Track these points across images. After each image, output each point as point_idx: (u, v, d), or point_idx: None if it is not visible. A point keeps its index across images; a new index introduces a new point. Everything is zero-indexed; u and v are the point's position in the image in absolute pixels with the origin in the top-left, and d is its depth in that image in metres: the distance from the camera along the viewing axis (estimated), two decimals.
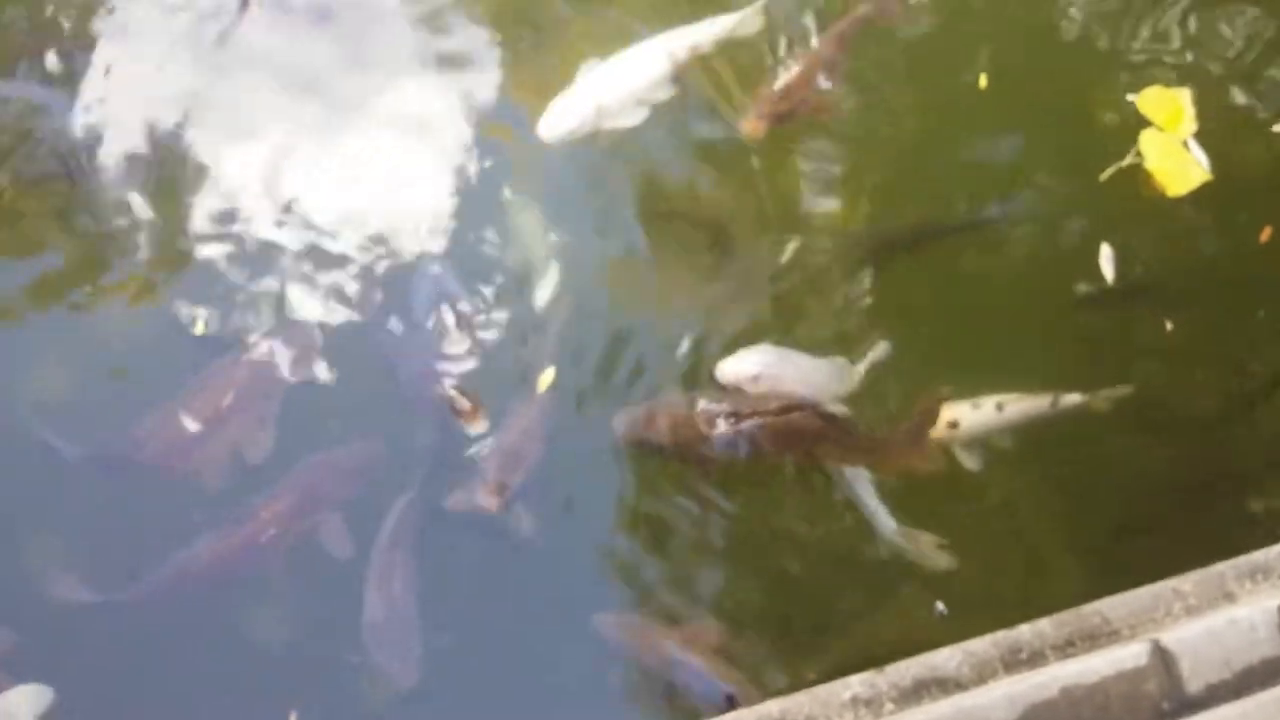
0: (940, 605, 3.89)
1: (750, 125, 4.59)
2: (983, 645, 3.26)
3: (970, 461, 4.20)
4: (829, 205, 4.71)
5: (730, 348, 4.35)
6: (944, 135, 4.89)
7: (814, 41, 4.82)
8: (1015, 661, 3.21)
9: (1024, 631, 3.26)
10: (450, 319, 4.24)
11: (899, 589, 4.06)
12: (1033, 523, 4.20)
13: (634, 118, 4.57)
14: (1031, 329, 4.49)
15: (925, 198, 4.75)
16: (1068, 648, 3.22)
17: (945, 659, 3.24)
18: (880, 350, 4.35)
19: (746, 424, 4.12)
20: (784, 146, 4.74)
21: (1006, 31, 5.07)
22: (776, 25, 4.87)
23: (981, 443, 4.22)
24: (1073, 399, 4.24)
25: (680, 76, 4.68)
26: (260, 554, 3.93)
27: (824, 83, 4.65)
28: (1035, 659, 3.22)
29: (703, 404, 4.17)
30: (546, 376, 4.21)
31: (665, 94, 4.63)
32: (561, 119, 4.51)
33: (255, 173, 4.59)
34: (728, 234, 4.62)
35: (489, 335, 4.30)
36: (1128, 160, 4.62)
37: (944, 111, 4.94)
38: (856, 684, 3.23)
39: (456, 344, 4.22)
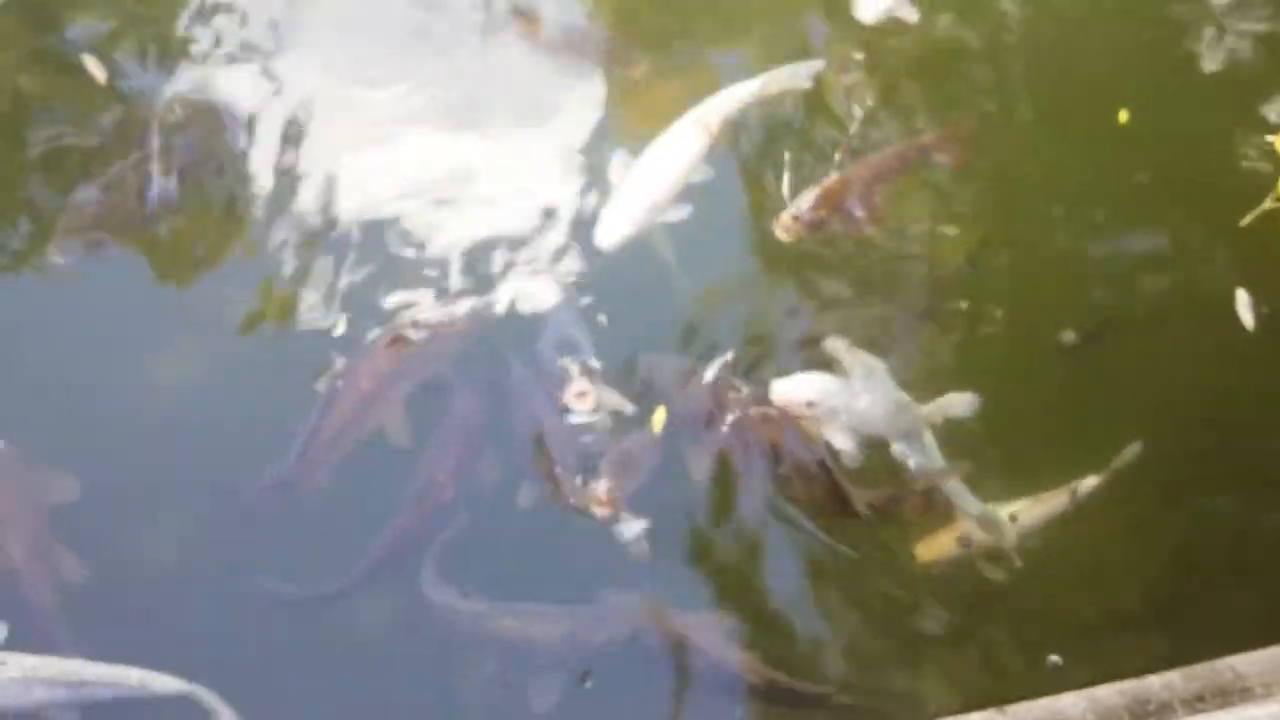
0: (1054, 658, 3.79)
1: (785, 227, 4.43)
2: (1109, 694, 3.21)
3: (993, 573, 4.02)
4: (955, 237, 4.65)
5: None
6: (1080, 170, 4.81)
7: (859, 161, 4.65)
8: (1143, 713, 3.17)
9: (1153, 683, 3.21)
10: (575, 370, 4.20)
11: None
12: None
13: (681, 212, 4.50)
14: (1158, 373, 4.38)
15: (1057, 232, 4.69)
16: (1197, 702, 3.16)
17: (1069, 704, 3.20)
18: (960, 404, 4.19)
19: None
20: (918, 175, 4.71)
21: (1147, 66, 5.00)
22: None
23: (1004, 554, 4.05)
24: (1090, 483, 4.09)
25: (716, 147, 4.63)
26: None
27: (856, 207, 4.51)
28: (1163, 711, 3.17)
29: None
30: (659, 416, 4.16)
31: (703, 174, 4.57)
32: (616, 227, 4.42)
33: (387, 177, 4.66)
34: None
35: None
36: (1268, 204, 4.52)
37: (1081, 146, 4.85)
38: None
39: (578, 398, 4.15)
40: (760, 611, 4.00)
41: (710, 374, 4.23)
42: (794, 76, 4.81)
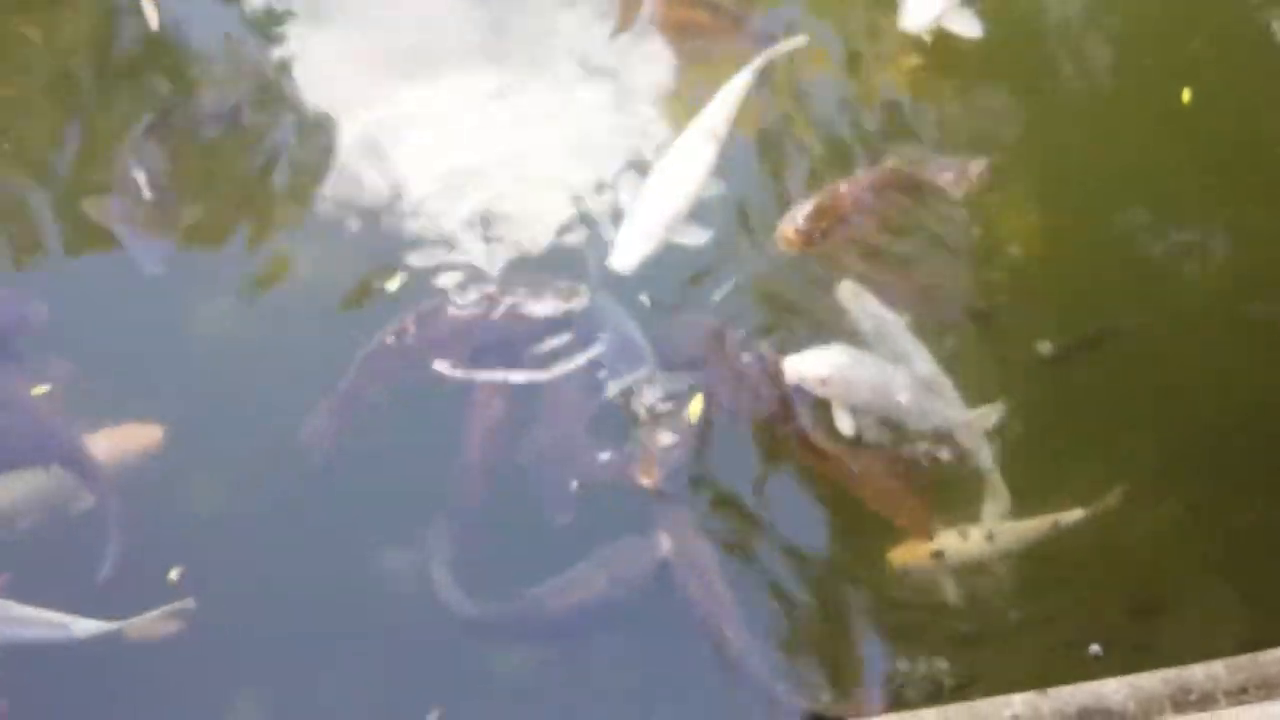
0: (1095, 647, 3.80)
1: (788, 238, 4.33)
2: (1152, 681, 3.22)
3: (951, 592, 3.97)
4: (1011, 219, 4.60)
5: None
6: (1140, 149, 4.75)
7: (861, 175, 4.57)
8: (1185, 702, 3.18)
9: (1196, 672, 3.22)
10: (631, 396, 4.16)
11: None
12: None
13: (698, 236, 4.41)
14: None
15: (1113, 215, 4.63)
16: (1241, 694, 3.16)
17: (1112, 691, 3.21)
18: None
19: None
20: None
21: (1216, 45, 4.92)
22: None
23: (971, 571, 4.00)
24: (1074, 516, 4.01)
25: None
26: None
27: (857, 218, 4.41)
28: (1205, 701, 3.18)
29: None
30: (696, 405, 4.13)
31: (715, 188, 4.50)
32: (633, 249, 4.32)
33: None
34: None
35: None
36: None
37: (1142, 124, 4.79)
38: (1019, 703, 3.22)
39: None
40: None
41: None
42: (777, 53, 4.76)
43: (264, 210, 4.59)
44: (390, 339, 4.19)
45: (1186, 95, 4.73)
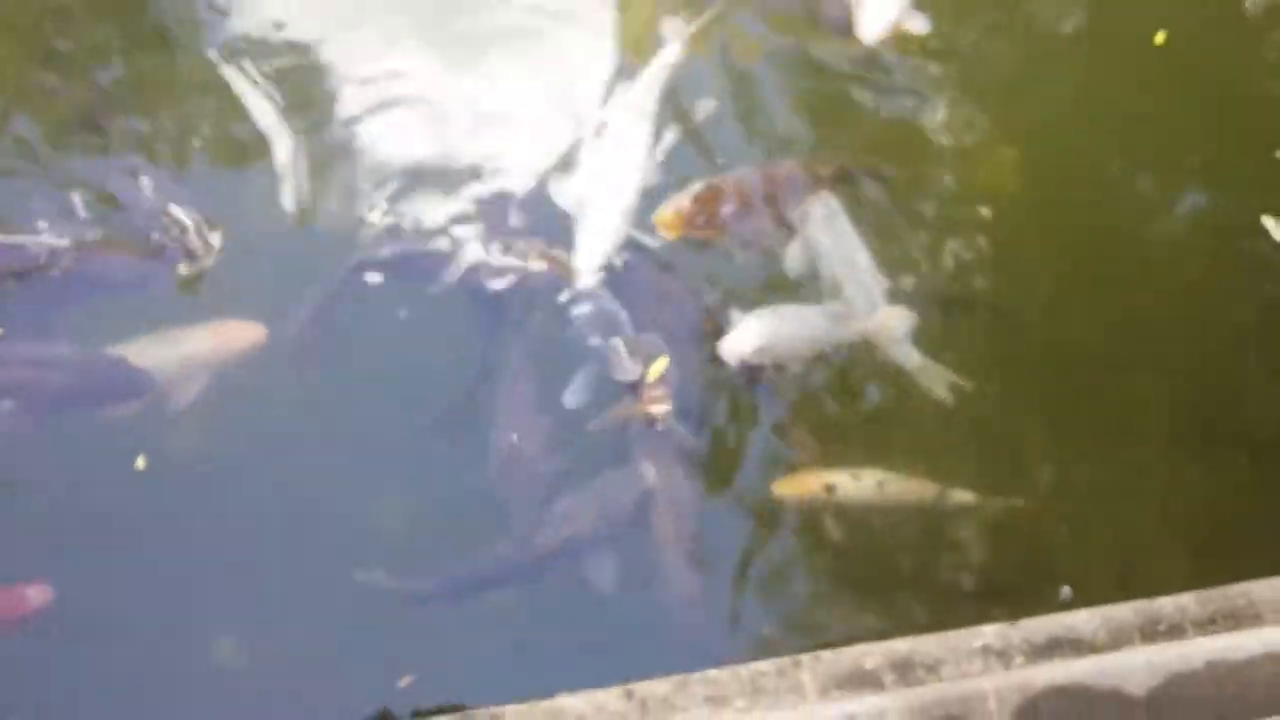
0: (1066, 589, 3.80)
1: (665, 221, 4.28)
2: (1122, 612, 3.24)
3: (835, 531, 4.00)
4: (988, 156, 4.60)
5: None
6: (1108, 90, 4.74)
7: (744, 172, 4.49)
8: (1154, 632, 3.19)
9: (1165, 604, 3.24)
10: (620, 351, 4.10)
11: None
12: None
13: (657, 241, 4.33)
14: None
15: (1083, 159, 4.62)
16: (1209, 625, 3.18)
17: (1083, 621, 3.23)
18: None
19: None
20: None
21: None
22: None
23: (852, 515, 4.01)
24: (963, 498, 4.01)
25: None
26: None
27: (726, 210, 4.32)
28: (1174, 632, 3.20)
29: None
30: (659, 364, 4.06)
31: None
32: (594, 258, 4.23)
33: None
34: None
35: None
36: None
37: (1110, 64, 4.79)
38: (989, 634, 3.23)
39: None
40: None
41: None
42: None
43: None
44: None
45: (1160, 37, 4.73)
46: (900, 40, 4.78)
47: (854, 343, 4.20)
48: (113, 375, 3.93)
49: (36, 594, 3.66)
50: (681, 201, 4.28)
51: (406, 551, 3.77)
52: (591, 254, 4.24)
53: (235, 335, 4.07)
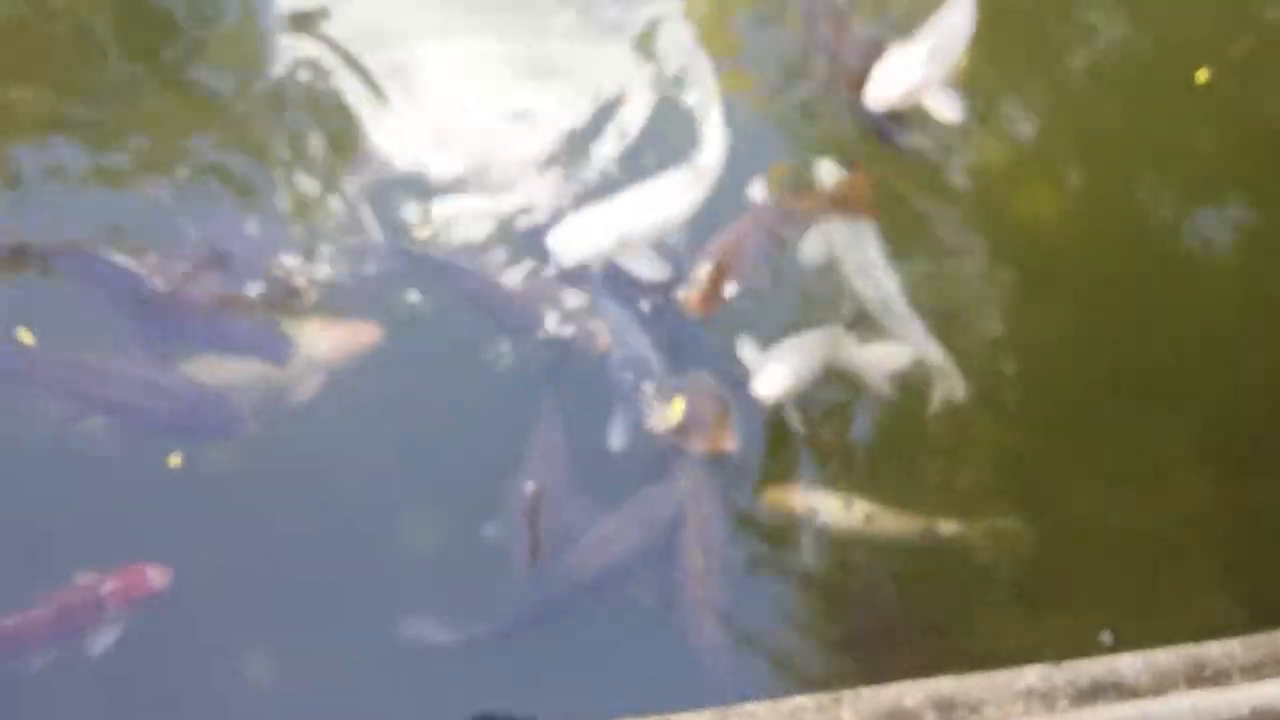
0: (1107, 634, 3.79)
1: (694, 302, 4.20)
2: (1166, 657, 3.21)
3: (809, 555, 4.00)
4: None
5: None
6: (1150, 128, 4.73)
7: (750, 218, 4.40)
8: (1199, 678, 3.17)
9: (1211, 649, 3.21)
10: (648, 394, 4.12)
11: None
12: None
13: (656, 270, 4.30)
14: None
15: (1127, 193, 4.62)
16: (1256, 670, 3.15)
17: (1126, 664, 3.20)
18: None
19: None
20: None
21: (1233, 25, 4.90)
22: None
23: (831, 542, 4.01)
24: (950, 529, 4.00)
25: None
26: None
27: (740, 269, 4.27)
28: (1219, 678, 3.17)
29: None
30: (676, 407, 4.07)
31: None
32: (573, 242, 4.24)
33: None
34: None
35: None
36: None
37: (1153, 104, 4.78)
38: (1032, 675, 3.20)
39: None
40: None
41: None
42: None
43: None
44: None
45: (1203, 75, 4.72)
46: (917, 114, 4.46)
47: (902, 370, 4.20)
48: (213, 413, 3.99)
49: (157, 575, 3.73)
50: (696, 286, 4.20)
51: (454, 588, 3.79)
52: (570, 239, 4.21)
53: (352, 335, 4.14)
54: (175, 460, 3.88)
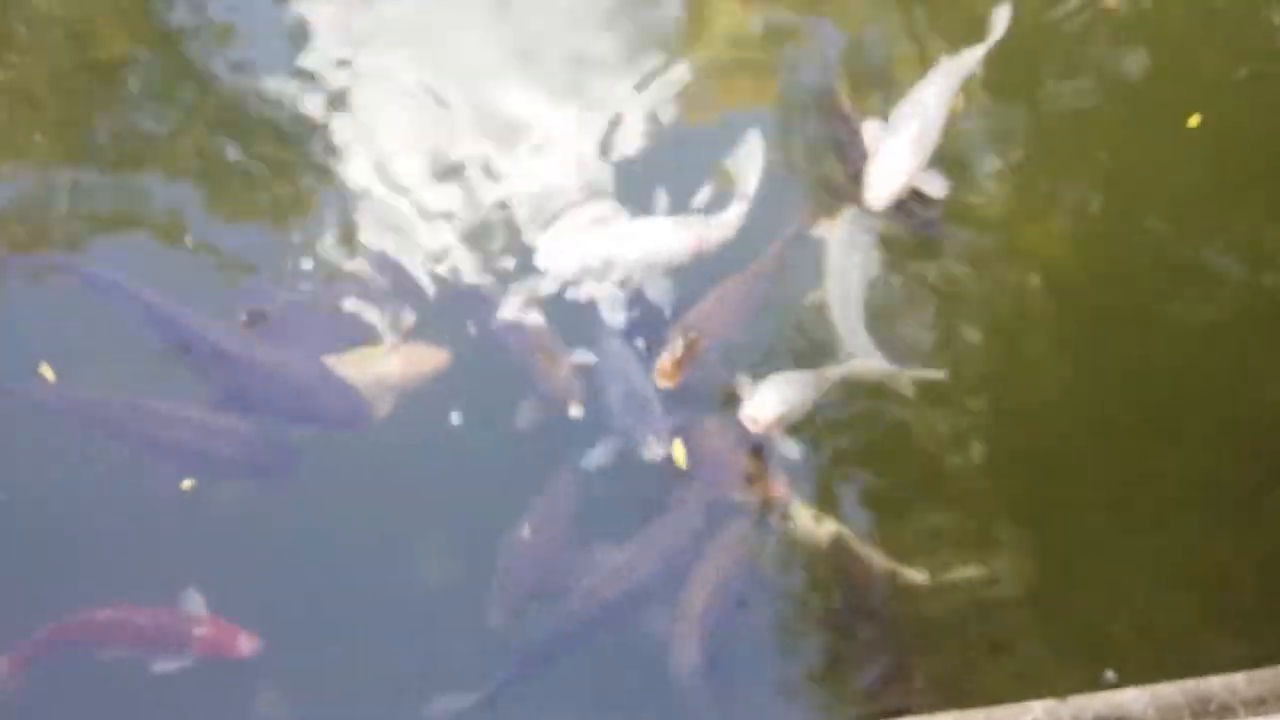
0: (1110, 673, 3.79)
1: (665, 372, 4.22)
2: (1170, 691, 3.24)
3: (771, 544, 4.08)
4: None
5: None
6: (1143, 173, 4.79)
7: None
8: (1203, 712, 3.19)
9: (1214, 684, 3.24)
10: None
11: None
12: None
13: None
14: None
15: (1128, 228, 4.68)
16: (1260, 705, 3.17)
17: (1131, 699, 3.23)
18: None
19: None
20: None
21: (1227, 67, 4.96)
22: None
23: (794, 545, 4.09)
24: (913, 575, 4.03)
25: None
26: None
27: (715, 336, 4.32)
28: (1223, 712, 3.19)
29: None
30: (678, 451, 4.13)
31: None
32: (558, 249, 4.37)
33: None
34: None
35: None
36: None
37: (1145, 147, 4.83)
38: (1039, 709, 3.23)
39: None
40: None
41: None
42: None
43: None
44: None
45: (1194, 120, 4.78)
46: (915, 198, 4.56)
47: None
48: (277, 456, 4.11)
49: (246, 642, 3.80)
50: (670, 358, 4.22)
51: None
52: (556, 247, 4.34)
53: (422, 358, 4.21)
54: (187, 484, 3.96)
